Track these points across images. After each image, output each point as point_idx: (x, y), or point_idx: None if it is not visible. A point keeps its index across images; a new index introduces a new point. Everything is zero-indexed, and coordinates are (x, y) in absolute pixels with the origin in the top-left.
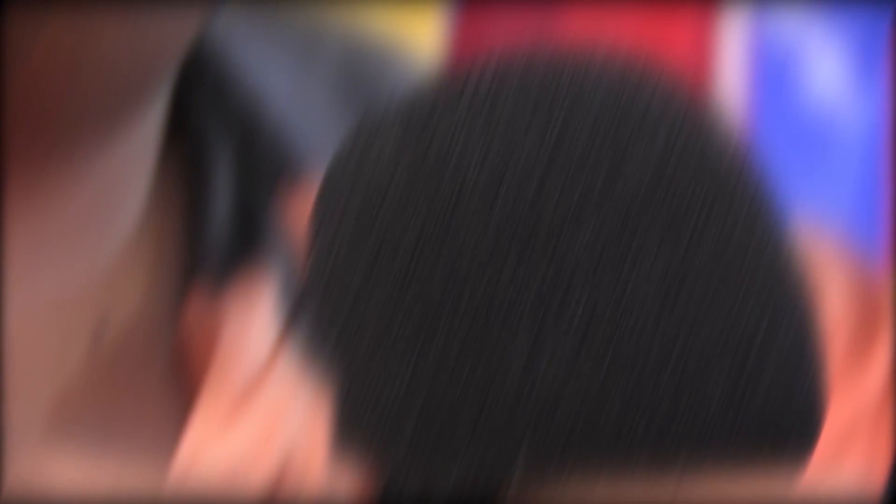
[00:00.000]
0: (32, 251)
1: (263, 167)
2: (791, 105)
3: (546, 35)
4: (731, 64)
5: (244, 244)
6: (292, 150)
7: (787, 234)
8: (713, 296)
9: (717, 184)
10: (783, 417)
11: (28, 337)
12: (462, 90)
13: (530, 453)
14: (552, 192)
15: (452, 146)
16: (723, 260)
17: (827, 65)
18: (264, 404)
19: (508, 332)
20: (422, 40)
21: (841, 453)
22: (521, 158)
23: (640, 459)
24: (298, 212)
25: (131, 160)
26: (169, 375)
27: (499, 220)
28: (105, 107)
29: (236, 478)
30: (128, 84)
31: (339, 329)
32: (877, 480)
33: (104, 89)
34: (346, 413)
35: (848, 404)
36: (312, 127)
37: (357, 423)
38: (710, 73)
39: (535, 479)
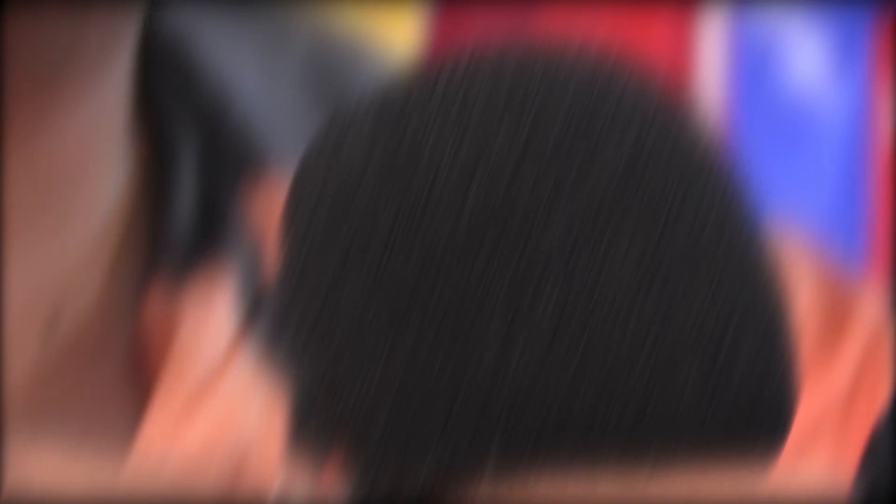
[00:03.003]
0: None
1: (228, 160)
2: (770, 97)
3: (522, 33)
4: (709, 56)
5: (206, 237)
6: (258, 143)
7: (759, 226)
8: (685, 288)
9: (689, 177)
10: (754, 410)
11: None
12: (435, 83)
13: (502, 446)
14: (524, 184)
15: (425, 139)
16: (695, 253)
17: (806, 57)
18: (221, 399)
19: (481, 324)
20: (397, 38)
21: (809, 447)
22: (493, 151)
23: (612, 452)
24: (263, 206)
25: (89, 143)
26: (126, 369)
27: (471, 214)
28: (48, 84)
29: (192, 473)
30: (65, 65)
31: (312, 322)
32: (845, 474)
33: (41, 70)
34: (316, 407)
35: (816, 399)
36: (279, 120)
37: (328, 416)
38: (688, 65)
39: (507, 472)
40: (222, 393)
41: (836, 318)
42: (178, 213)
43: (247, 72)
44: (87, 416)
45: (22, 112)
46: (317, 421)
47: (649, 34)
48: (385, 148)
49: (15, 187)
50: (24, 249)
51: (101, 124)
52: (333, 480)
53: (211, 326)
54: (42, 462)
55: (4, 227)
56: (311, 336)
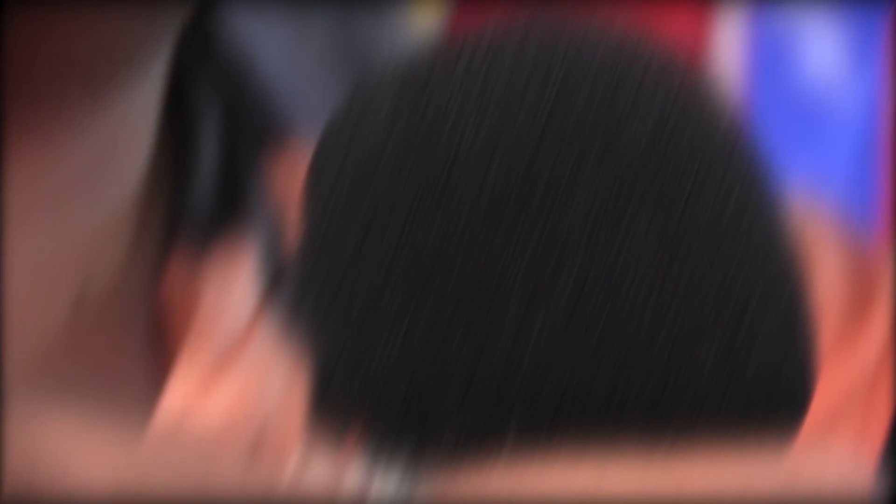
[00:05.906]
0: (27, 205)
1: (250, 130)
2: (788, 81)
3: (546, 14)
4: (728, 40)
5: (228, 208)
6: (281, 113)
7: (780, 206)
8: (705, 267)
9: (711, 155)
10: (773, 389)
11: (11, 293)
12: (458, 58)
13: (520, 421)
14: (546, 161)
15: (447, 113)
16: (716, 231)
17: (824, 41)
18: (243, 369)
19: (500, 299)
20: (422, 12)
21: (832, 428)
22: (515, 128)
23: (630, 429)
24: (285, 176)
25: (128, 123)
26: (148, 340)
27: (492, 189)
28: (93, 73)
29: (214, 443)
30: (115, 55)
31: (331, 294)
32: (869, 456)
33: (91, 58)
34: (336, 379)
35: (841, 378)
36: (303, 90)
37: (347, 388)
38: (707, 48)
39: (525, 447)
40: (244, 364)
41: (862, 297)
42: (200, 183)
43: (270, 40)
44: (109, 387)
45: (60, 105)
46: (336, 393)
47: (669, 22)
48: (407, 122)
49: (46, 168)
50: (53, 221)
51: (135, 116)
52: (353, 452)
53: (233, 297)
54: (61, 430)
55: (42, 193)
56: (330, 308)
